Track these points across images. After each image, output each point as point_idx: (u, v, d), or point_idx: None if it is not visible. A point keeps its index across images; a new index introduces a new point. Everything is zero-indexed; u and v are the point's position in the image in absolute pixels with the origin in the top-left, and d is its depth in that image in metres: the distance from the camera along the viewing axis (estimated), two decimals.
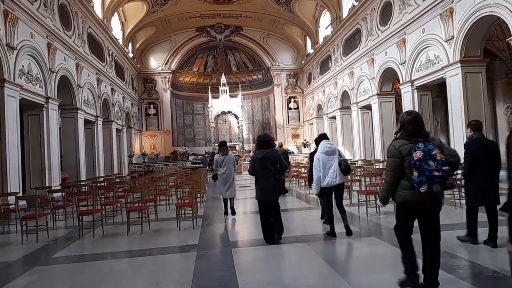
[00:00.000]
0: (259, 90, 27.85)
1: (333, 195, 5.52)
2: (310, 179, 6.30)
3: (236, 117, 26.17)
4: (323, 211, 6.40)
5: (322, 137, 5.83)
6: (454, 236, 5.07)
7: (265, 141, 5.40)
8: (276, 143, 13.42)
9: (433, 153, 2.88)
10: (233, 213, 7.88)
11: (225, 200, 8.04)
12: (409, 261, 3.11)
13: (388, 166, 3.17)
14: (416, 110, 12.43)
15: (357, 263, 4.28)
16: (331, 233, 5.41)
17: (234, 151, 24.05)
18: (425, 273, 3.06)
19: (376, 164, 13.12)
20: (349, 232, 5.35)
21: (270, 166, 5.19)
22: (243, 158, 21.90)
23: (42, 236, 6.31)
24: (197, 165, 20.96)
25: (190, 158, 24.14)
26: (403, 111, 3.97)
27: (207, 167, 16.98)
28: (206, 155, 21.80)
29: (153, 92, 25.26)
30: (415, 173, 2.89)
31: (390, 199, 3.22)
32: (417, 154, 2.87)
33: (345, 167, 5.38)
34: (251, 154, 14.17)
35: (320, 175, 5.37)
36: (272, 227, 5.22)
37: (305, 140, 24.95)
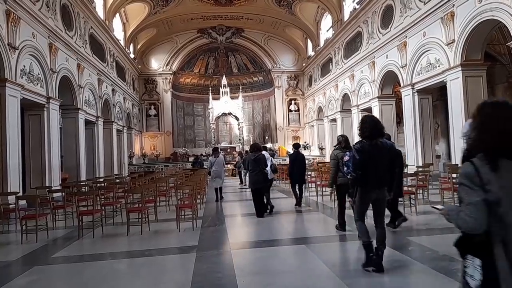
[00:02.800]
0: (260, 92, 27.89)
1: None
2: (289, 176, 8.75)
3: (237, 118, 26.20)
4: (298, 199, 8.57)
5: (263, 147, 8.96)
6: (453, 239, 5.05)
7: (256, 147, 7.88)
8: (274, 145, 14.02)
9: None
10: (221, 198, 10.32)
11: (216, 190, 10.43)
12: (341, 215, 5.76)
13: (331, 164, 5.86)
14: (417, 113, 12.52)
15: (356, 265, 4.28)
16: (270, 210, 7.77)
17: (234, 153, 24.33)
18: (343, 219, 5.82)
19: None
20: (271, 209, 7.74)
21: (258, 165, 7.48)
22: (243, 160, 21.85)
23: (42, 236, 6.30)
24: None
25: (190, 159, 24.11)
26: (339, 134, 6.25)
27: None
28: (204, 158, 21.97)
29: (154, 93, 25.30)
30: (345, 168, 4.85)
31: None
32: (345, 158, 4.82)
33: (274, 169, 8.31)
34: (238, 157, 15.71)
35: None
36: (261, 206, 7.43)
37: (305, 142, 24.97)
